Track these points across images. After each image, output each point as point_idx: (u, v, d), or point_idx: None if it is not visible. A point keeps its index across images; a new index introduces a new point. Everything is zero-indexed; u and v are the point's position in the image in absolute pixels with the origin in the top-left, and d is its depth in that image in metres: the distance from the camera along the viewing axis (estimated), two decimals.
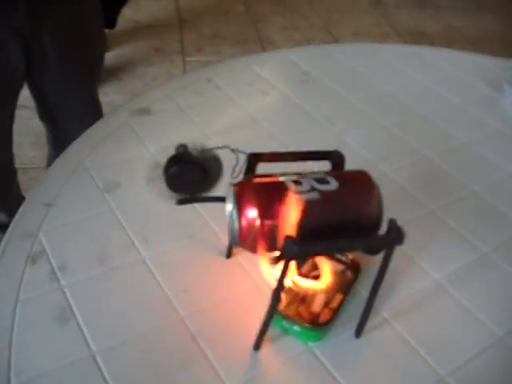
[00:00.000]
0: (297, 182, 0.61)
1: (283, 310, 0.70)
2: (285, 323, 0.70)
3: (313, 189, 0.61)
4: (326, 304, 0.72)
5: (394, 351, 0.70)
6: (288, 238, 0.57)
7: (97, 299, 0.72)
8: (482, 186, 0.98)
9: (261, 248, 0.61)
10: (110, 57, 2.82)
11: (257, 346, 0.68)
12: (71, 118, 1.34)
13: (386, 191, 0.94)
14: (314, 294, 0.73)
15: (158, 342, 0.68)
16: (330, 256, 0.78)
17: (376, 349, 0.70)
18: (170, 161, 0.59)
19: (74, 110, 1.34)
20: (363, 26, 3.19)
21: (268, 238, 0.60)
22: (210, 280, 0.76)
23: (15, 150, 1.40)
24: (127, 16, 3.15)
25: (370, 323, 0.73)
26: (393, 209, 0.90)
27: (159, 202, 0.82)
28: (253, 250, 0.62)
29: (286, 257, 0.57)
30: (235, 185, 0.62)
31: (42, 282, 0.73)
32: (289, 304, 0.72)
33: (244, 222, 0.59)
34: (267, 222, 0.59)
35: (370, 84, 1.26)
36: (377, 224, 0.61)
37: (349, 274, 0.76)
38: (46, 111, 1.36)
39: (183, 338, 0.69)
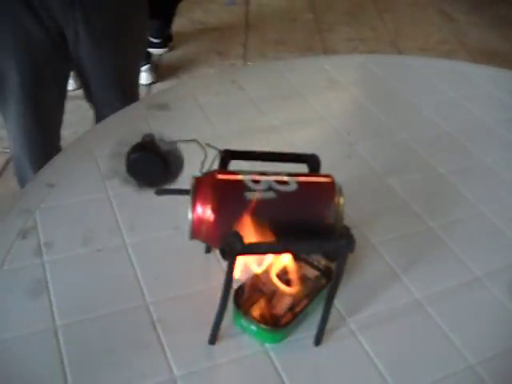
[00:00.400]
0: (255, 181, 0.61)
1: (247, 309, 0.70)
2: (243, 321, 0.70)
3: (270, 188, 0.61)
4: (291, 308, 0.72)
5: (351, 364, 0.69)
6: (232, 233, 0.57)
7: (72, 277, 0.76)
8: (491, 208, 0.94)
9: (216, 242, 0.62)
10: (173, 56, 2.92)
11: (212, 340, 0.68)
12: (106, 99, 1.39)
13: (387, 204, 0.93)
14: (281, 297, 0.73)
15: (119, 325, 0.70)
16: (305, 261, 0.78)
17: (333, 359, 0.69)
18: (132, 148, 0.62)
19: (109, 91, 1.38)
20: (431, 42, 3.11)
21: (220, 233, 0.60)
22: (184, 272, 0.77)
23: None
24: (195, 18, 3.25)
25: (335, 333, 0.72)
26: (390, 223, 0.89)
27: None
28: (210, 243, 0.63)
29: (229, 252, 0.58)
30: (196, 178, 0.63)
31: (27, 256, 0.77)
32: (254, 303, 0.72)
33: (196, 215, 0.60)
34: (218, 217, 0.60)
35: (398, 96, 1.23)
36: (333, 230, 0.60)
37: (322, 280, 0.75)
38: (86, 90, 1.41)
39: (144, 324, 0.70)
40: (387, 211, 0.92)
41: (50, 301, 0.72)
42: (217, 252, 0.79)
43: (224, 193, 0.61)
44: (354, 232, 0.86)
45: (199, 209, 0.60)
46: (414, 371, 0.69)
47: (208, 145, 0.68)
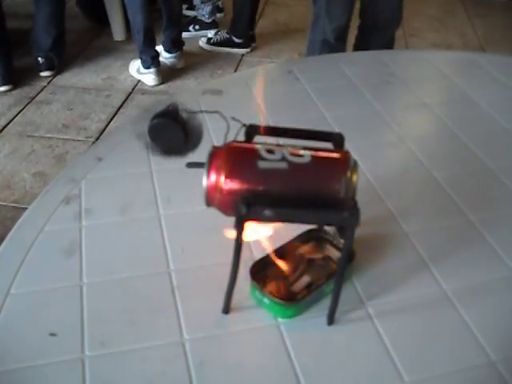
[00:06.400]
0: (269, 151, 0.62)
1: (264, 282, 0.71)
2: (257, 294, 0.71)
3: (283, 159, 0.61)
4: (309, 286, 0.72)
5: (362, 348, 0.68)
6: (240, 198, 0.59)
7: (104, 242, 0.80)
8: None
9: (228, 209, 0.63)
10: (254, 56, 2.97)
11: (225, 309, 0.70)
12: None
13: (429, 195, 0.91)
14: (301, 275, 0.74)
15: (140, 287, 0.73)
16: (329, 242, 0.78)
17: (344, 341, 0.68)
18: (155, 114, 0.64)
19: None
20: None
21: (231, 200, 0.62)
22: (209, 245, 0.79)
23: None
24: (280, 19, 3.28)
25: (351, 315, 0.71)
26: (427, 213, 0.87)
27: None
28: (223, 210, 0.64)
29: (236, 216, 0.59)
30: (213, 147, 0.64)
31: (67, 220, 0.83)
32: (273, 278, 0.73)
33: (210, 182, 0.62)
34: (230, 184, 0.61)
35: (456, 91, 1.19)
36: (344, 203, 0.60)
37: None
38: None
39: (163, 289, 0.73)
40: (427, 202, 0.90)
41: (81, 261, 0.76)
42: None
43: (236, 160, 0.62)
44: (388, 220, 0.85)
45: (213, 176, 0.62)
46: (427, 360, 0.66)
47: (233, 118, 0.69)
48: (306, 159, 0.62)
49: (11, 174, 2.08)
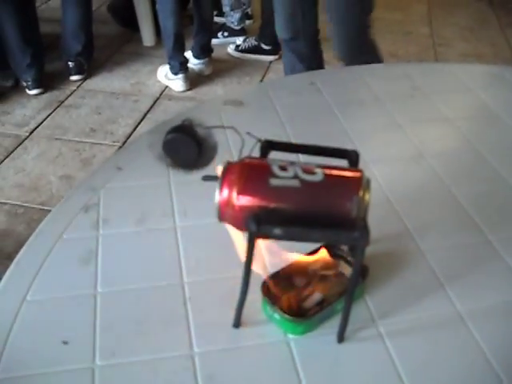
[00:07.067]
0: (282, 168, 0.62)
1: (276, 298, 0.71)
2: (268, 309, 0.71)
3: (296, 177, 0.62)
4: (321, 303, 0.72)
5: (372, 368, 0.67)
6: (250, 215, 0.59)
7: (120, 251, 0.81)
8: None
9: (240, 225, 0.64)
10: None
11: (236, 323, 0.70)
12: None
13: (447, 213, 0.90)
14: (312, 291, 0.73)
15: (152, 299, 0.74)
16: (343, 259, 0.77)
17: (354, 360, 0.68)
18: (170, 129, 0.65)
19: None
20: None
21: (243, 217, 0.62)
22: (224, 258, 0.79)
23: None
24: None
25: (362, 333, 0.71)
26: (445, 231, 0.86)
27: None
28: (235, 226, 0.65)
29: (247, 232, 0.59)
30: (228, 163, 0.65)
31: (85, 228, 0.84)
32: (284, 293, 0.73)
33: (222, 198, 0.62)
34: (242, 201, 0.62)
35: (478, 105, 1.17)
36: (354, 223, 0.60)
37: (359, 279, 0.74)
38: None
39: (175, 301, 0.74)
40: (445, 220, 0.89)
41: (96, 270, 0.77)
42: (262, 245, 0.81)
43: (249, 177, 0.62)
44: (404, 236, 0.85)
45: (225, 192, 0.62)
46: (437, 382, 0.65)
47: (248, 133, 0.70)
48: (319, 177, 0.62)
49: (38, 177, 2.12)
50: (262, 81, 2.80)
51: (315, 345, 0.69)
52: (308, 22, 1.93)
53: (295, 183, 0.61)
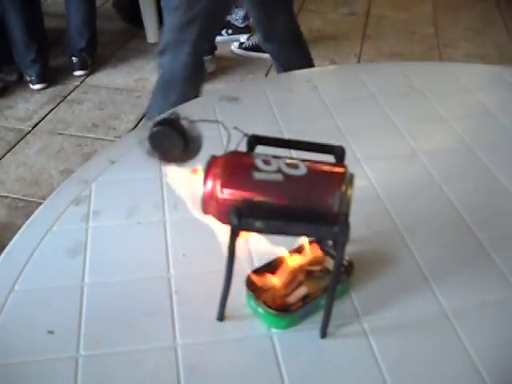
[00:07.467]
0: (266, 162, 0.63)
1: (260, 292, 0.72)
2: (252, 303, 0.71)
3: (279, 170, 0.62)
4: (305, 298, 0.72)
5: (354, 364, 0.67)
6: (232, 208, 0.59)
7: (109, 244, 0.82)
8: None
9: (224, 218, 0.64)
10: None
11: (220, 316, 0.70)
12: None
13: (437, 211, 0.90)
14: (298, 286, 0.74)
15: (139, 291, 0.75)
16: (329, 254, 0.77)
17: (336, 355, 0.68)
18: (157, 122, 0.65)
19: None
20: None
21: (226, 210, 0.62)
22: (211, 253, 0.79)
23: None
24: (313, 26, 3.28)
25: (346, 329, 0.71)
26: (433, 230, 0.86)
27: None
28: (219, 219, 0.65)
29: (229, 225, 0.60)
30: (212, 157, 0.65)
31: (75, 221, 0.85)
32: (269, 288, 0.73)
33: (206, 191, 0.63)
34: (226, 194, 0.62)
35: (474, 104, 1.17)
36: (336, 218, 0.60)
37: (343, 275, 0.74)
38: None
39: (161, 294, 0.74)
40: (434, 218, 0.89)
41: (85, 261, 0.78)
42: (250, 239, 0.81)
43: (232, 170, 0.63)
44: (392, 234, 0.85)
45: (209, 185, 0.63)
46: (419, 379, 0.66)
47: (235, 128, 0.70)
48: (302, 172, 0.62)
49: (40, 171, 2.13)
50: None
51: (298, 339, 0.69)
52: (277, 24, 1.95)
53: (278, 177, 0.62)
